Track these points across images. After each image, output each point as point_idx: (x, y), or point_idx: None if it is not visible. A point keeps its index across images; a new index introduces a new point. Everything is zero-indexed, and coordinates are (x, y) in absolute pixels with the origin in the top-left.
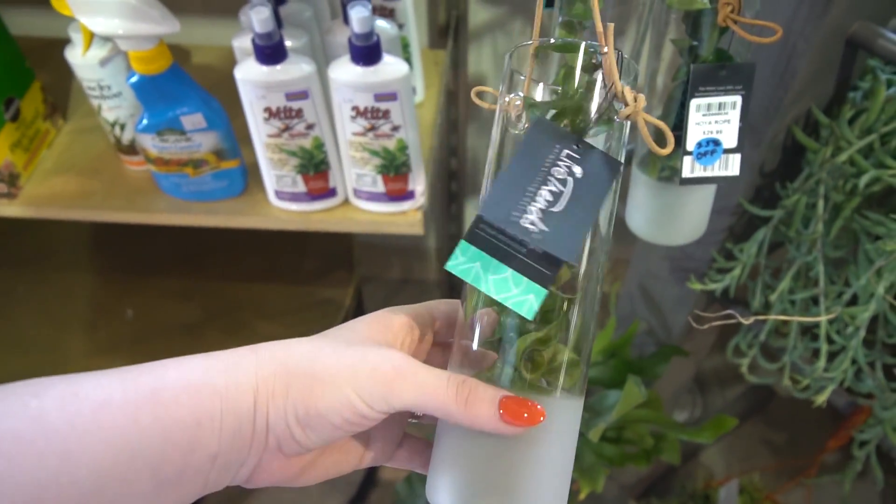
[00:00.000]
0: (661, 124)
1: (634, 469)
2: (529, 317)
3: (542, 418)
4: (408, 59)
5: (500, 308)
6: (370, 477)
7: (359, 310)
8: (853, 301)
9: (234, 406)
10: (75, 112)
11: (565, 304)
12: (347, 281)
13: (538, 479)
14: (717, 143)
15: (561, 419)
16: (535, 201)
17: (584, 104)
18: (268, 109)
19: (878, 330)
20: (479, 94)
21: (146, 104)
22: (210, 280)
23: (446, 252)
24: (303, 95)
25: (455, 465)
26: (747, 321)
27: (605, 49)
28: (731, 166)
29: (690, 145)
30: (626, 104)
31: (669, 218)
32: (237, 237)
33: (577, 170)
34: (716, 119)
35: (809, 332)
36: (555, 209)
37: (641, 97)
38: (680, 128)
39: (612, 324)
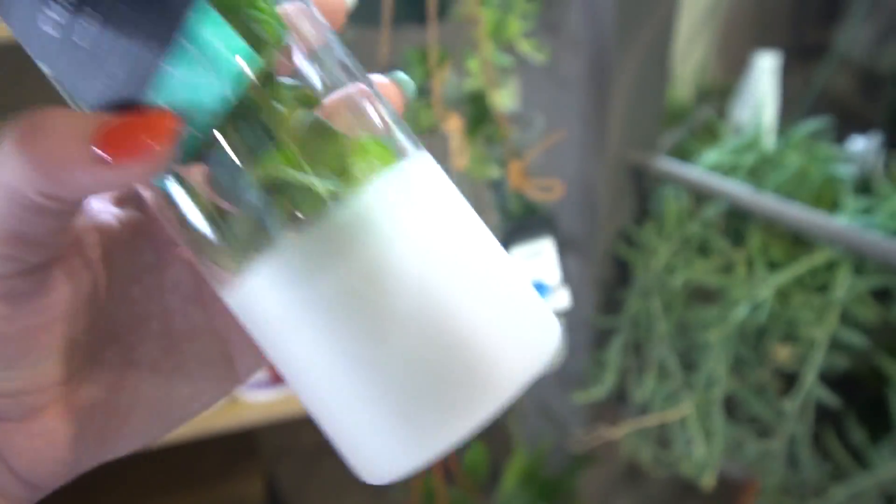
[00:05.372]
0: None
1: None
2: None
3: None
4: None
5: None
6: None
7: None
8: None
9: None
10: None
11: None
12: (253, 470)
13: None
14: (542, 284)
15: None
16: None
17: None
18: None
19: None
20: None
21: None
22: None
23: None
24: None
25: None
26: (617, 436)
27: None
28: (561, 300)
29: None
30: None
31: None
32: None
33: None
34: (535, 264)
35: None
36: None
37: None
38: None
39: (521, 451)
